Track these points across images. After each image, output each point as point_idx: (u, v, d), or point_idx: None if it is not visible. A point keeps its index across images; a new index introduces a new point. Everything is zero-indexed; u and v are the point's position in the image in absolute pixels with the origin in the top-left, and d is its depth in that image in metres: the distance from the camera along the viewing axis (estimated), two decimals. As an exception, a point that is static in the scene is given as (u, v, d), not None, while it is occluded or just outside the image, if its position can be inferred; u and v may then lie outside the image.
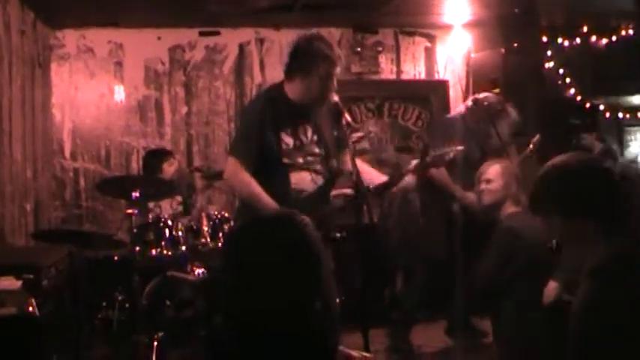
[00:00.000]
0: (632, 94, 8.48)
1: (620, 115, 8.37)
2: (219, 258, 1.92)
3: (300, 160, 4.14)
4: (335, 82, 4.02)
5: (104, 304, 5.34)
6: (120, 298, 5.30)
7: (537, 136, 5.88)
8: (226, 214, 5.51)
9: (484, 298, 4.71)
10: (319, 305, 1.82)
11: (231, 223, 5.42)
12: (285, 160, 4.10)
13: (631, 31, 7.48)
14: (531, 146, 5.82)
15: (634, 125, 9.47)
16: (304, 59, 4.01)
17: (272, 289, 1.78)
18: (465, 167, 5.44)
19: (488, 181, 4.62)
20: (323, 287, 1.83)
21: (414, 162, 4.84)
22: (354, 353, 1.92)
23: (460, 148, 4.32)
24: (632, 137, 9.99)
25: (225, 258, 1.87)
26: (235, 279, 1.81)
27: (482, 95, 5.84)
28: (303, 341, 1.80)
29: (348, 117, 3.99)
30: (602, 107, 8.16)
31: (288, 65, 4.12)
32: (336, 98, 3.98)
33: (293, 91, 4.09)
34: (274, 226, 1.88)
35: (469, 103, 5.87)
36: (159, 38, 7.31)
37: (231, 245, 1.92)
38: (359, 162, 4.13)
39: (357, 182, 3.81)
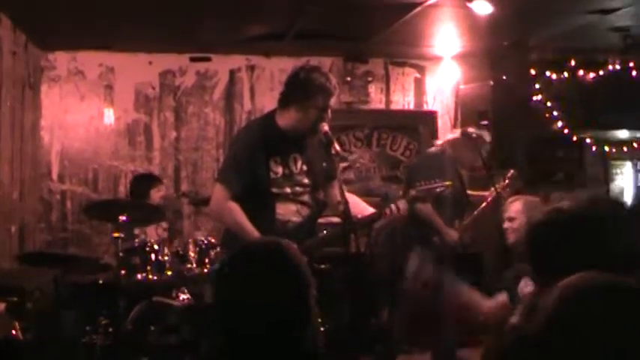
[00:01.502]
0: (619, 128, 8.53)
1: (607, 148, 8.43)
2: (210, 287, 1.94)
3: (288, 190, 4.15)
4: (329, 113, 4.04)
5: (88, 328, 5.29)
6: (104, 322, 5.24)
7: (512, 172, 5.95)
8: (213, 240, 5.49)
9: None
10: (309, 332, 1.83)
11: (218, 249, 5.41)
12: (274, 190, 4.10)
13: (618, 66, 7.54)
14: (507, 181, 5.88)
15: (620, 159, 9.54)
16: (302, 90, 4.02)
17: (263, 316, 1.79)
18: (450, 201, 5.49)
19: (511, 219, 4.62)
20: (312, 314, 1.85)
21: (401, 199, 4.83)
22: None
23: (448, 182, 4.34)
24: (618, 171, 10.05)
25: (216, 287, 1.88)
26: (226, 307, 1.82)
27: (470, 129, 5.91)
28: None
29: (337, 147, 3.99)
30: (588, 141, 8.22)
31: (285, 95, 4.13)
32: (326, 128, 3.99)
33: (286, 120, 4.10)
34: (264, 254, 1.90)
35: (456, 135, 5.92)
36: (150, 63, 7.34)
37: (222, 273, 1.93)
38: (349, 193, 4.17)
39: (346, 212, 3.81)
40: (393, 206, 4.23)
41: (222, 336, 1.84)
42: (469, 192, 6.02)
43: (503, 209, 4.75)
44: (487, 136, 5.85)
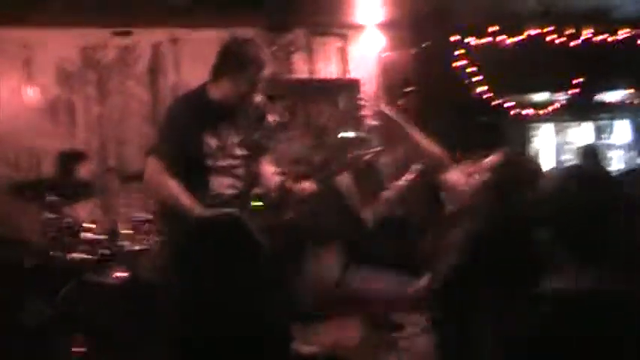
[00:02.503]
0: (537, 91, 8.78)
1: (526, 112, 8.66)
2: (173, 265, 1.94)
3: (223, 163, 4.14)
4: (263, 84, 4.05)
5: (18, 310, 5.21)
6: (35, 304, 5.18)
7: None
8: (145, 215, 5.48)
9: None
10: (275, 301, 1.87)
11: (150, 224, 5.39)
12: (208, 162, 4.09)
13: (535, 31, 7.74)
14: None
15: (537, 122, 9.83)
16: (235, 61, 4.01)
17: (229, 290, 1.81)
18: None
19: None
20: (272, 284, 1.89)
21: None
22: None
23: (378, 148, 4.39)
24: (536, 133, 10.36)
25: (179, 264, 1.89)
26: (191, 284, 1.84)
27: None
28: (261, 338, 1.84)
29: (272, 117, 4.00)
30: (508, 105, 8.43)
31: (217, 66, 4.11)
32: (259, 99, 4.00)
33: (218, 92, 4.08)
34: (225, 229, 1.91)
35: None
36: (70, 38, 7.16)
37: (186, 250, 1.94)
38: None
39: (282, 184, 3.85)
40: (299, 186, 4.27)
41: (186, 312, 1.85)
42: None
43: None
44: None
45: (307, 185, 4.24)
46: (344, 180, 5.41)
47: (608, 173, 2.19)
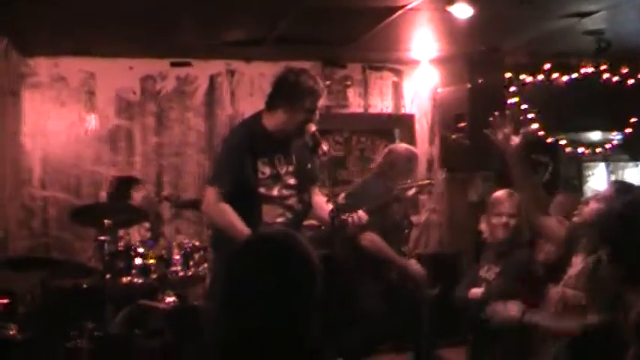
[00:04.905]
0: (591, 130, 8.68)
1: (580, 150, 8.57)
2: (225, 276, 1.98)
3: (275, 193, 4.21)
4: (317, 115, 4.12)
5: (73, 333, 5.31)
6: (90, 326, 5.26)
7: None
8: (197, 243, 5.57)
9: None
10: (315, 322, 1.90)
11: (202, 252, 5.48)
12: (262, 190, 4.17)
13: (590, 69, 7.69)
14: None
15: (593, 161, 9.69)
16: (290, 92, 4.09)
17: (276, 306, 1.85)
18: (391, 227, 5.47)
19: (511, 216, 4.68)
20: (316, 307, 1.92)
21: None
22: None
23: (426, 181, 4.39)
24: (591, 172, 10.21)
25: (231, 276, 1.94)
26: (238, 296, 1.88)
27: (397, 146, 5.90)
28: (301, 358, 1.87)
29: (325, 147, 4.04)
30: (562, 142, 8.35)
31: (272, 96, 4.20)
32: (313, 129, 4.05)
33: (273, 121, 4.17)
34: (279, 243, 1.96)
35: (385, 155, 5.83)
36: (131, 68, 7.34)
37: (237, 262, 1.98)
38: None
39: (333, 213, 3.88)
40: (355, 215, 4.29)
41: (230, 325, 1.88)
42: None
43: (494, 203, 4.81)
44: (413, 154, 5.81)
45: (363, 214, 4.30)
46: (371, 237, 5.37)
47: None
